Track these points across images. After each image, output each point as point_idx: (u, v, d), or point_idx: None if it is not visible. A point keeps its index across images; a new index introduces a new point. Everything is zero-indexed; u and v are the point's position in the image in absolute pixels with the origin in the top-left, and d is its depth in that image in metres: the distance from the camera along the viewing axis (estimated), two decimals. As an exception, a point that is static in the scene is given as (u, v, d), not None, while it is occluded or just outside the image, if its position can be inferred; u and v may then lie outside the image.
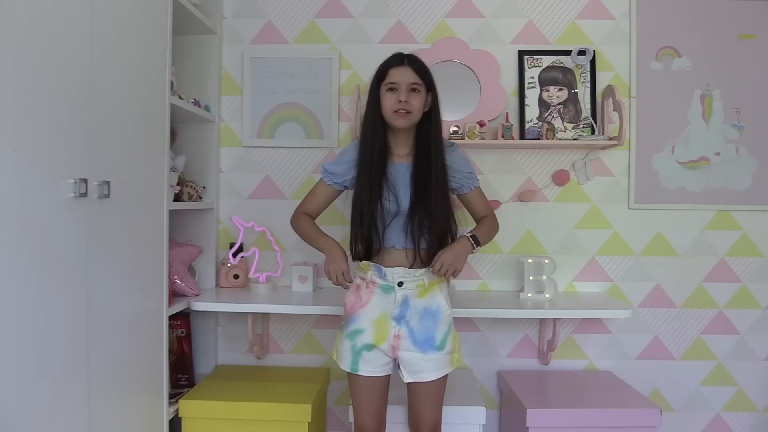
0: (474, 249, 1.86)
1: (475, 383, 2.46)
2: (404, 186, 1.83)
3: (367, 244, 1.83)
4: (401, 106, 1.79)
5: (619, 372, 2.60)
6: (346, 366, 1.86)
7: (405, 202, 1.82)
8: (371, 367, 1.83)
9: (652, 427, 2.14)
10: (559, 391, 2.37)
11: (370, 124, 1.85)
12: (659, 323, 2.63)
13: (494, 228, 1.98)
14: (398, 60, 1.83)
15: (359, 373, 1.84)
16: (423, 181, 1.82)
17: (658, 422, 2.13)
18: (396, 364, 1.87)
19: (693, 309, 2.63)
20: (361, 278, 1.88)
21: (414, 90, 1.81)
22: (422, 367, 1.82)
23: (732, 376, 2.64)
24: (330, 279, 1.85)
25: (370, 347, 1.82)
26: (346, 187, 1.95)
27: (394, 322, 1.81)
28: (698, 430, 2.65)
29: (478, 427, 2.16)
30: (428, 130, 1.85)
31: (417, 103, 1.81)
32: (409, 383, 1.86)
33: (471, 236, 1.87)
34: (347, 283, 1.86)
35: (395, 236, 1.83)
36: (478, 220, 2.00)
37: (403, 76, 1.80)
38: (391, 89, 1.81)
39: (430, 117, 1.86)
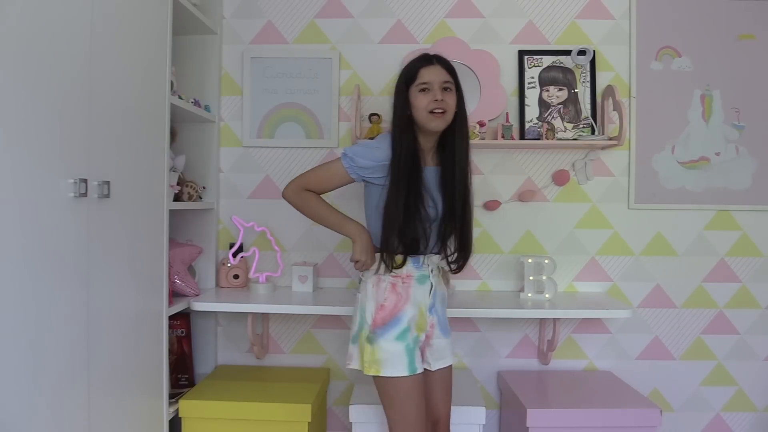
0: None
1: (475, 383, 2.46)
2: (436, 191, 1.79)
3: (408, 251, 1.75)
4: (437, 105, 1.72)
5: (619, 372, 2.60)
6: (402, 370, 1.71)
7: (440, 207, 1.79)
8: (420, 362, 1.78)
9: (652, 427, 2.14)
10: (559, 391, 2.38)
11: (403, 129, 1.76)
12: (659, 323, 2.63)
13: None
14: (427, 60, 1.78)
15: (418, 372, 1.74)
16: (451, 187, 1.80)
17: (658, 422, 2.13)
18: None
19: (693, 309, 2.63)
20: (394, 276, 1.78)
21: (446, 89, 1.76)
22: (445, 353, 1.88)
23: (732, 376, 2.64)
24: (356, 267, 1.82)
25: (417, 341, 1.78)
26: (363, 180, 1.82)
27: (429, 312, 1.83)
28: (698, 430, 2.65)
29: (478, 427, 2.16)
30: (453, 132, 1.80)
31: (452, 102, 1.76)
32: (430, 373, 1.84)
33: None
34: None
35: (432, 241, 1.80)
36: None
37: (435, 75, 1.75)
38: (424, 90, 1.74)
39: (456, 118, 1.80)
